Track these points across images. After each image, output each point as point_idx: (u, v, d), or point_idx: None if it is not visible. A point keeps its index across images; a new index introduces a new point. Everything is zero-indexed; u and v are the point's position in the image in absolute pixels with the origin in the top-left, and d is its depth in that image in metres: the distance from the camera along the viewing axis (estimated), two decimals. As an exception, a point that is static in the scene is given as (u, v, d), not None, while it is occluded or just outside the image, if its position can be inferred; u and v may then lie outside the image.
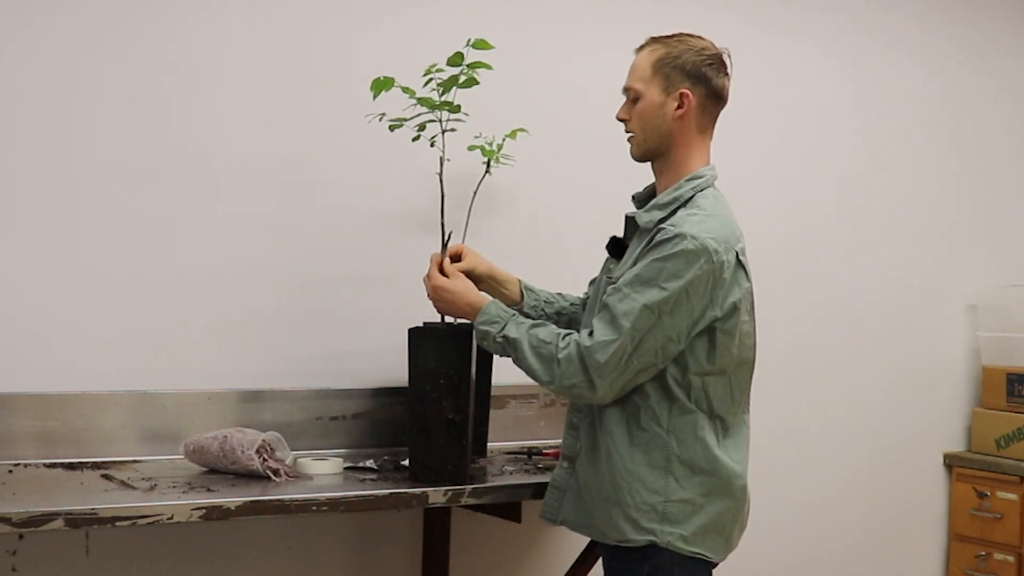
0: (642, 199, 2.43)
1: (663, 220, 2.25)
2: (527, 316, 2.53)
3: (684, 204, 2.27)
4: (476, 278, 2.51)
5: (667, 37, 2.35)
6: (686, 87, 2.29)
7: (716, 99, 2.33)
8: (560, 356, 2.22)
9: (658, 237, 2.20)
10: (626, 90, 2.37)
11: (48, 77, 2.49)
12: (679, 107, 2.29)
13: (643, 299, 2.16)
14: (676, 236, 2.17)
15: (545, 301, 2.59)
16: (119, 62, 2.56)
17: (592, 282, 2.56)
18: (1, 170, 2.46)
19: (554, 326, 2.31)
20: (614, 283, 2.24)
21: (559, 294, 2.63)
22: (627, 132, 2.37)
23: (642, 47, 2.36)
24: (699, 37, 2.35)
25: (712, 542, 2.26)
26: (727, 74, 2.35)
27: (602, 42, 3.12)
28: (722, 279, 2.20)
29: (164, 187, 2.61)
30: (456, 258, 2.51)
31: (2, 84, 2.46)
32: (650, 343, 2.17)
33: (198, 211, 2.65)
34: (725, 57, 2.35)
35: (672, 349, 2.20)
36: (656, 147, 2.33)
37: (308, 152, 2.78)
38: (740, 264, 2.25)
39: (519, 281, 2.58)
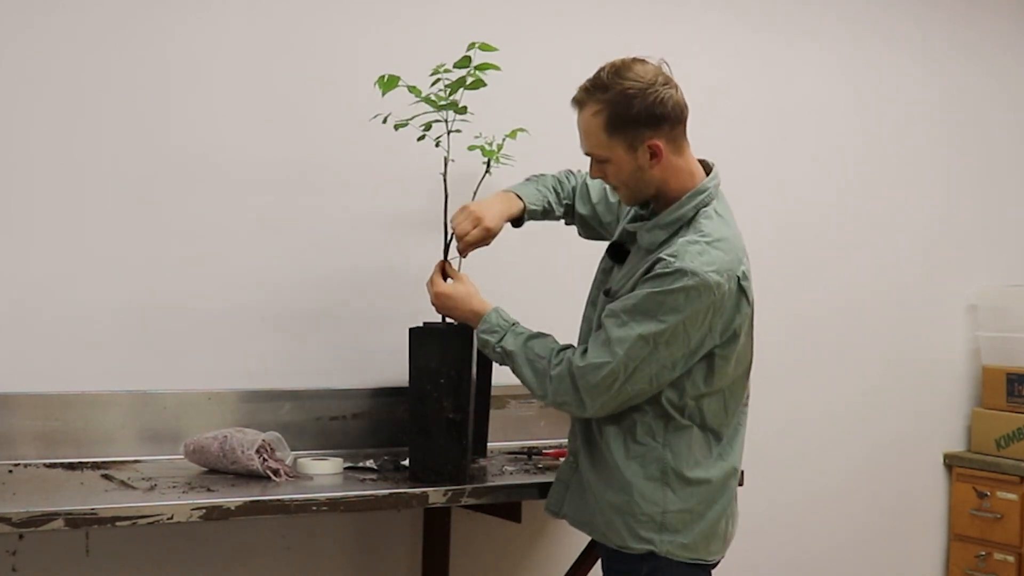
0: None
1: (665, 241, 2.21)
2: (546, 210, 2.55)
3: (687, 224, 2.21)
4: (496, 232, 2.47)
5: (602, 87, 2.17)
6: (649, 136, 2.17)
7: (678, 122, 2.20)
8: (552, 373, 2.23)
9: (658, 269, 2.15)
10: (588, 154, 2.26)
11: (48, 77, 2.49)
12: (653, 156, 2.19)
13: (640, 329, 2.14)
14: (676, 271, 2.12)
15: (543, 210, 2.56)
16: (119, 62, 2.56)
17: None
18: (1, 170, 2.46)
19: (552, 338, 2.31)
20: (611, 300, 2.23)
21: (554, 194, 2.59)
22: (609, 184, 2.31)
23: (581, 105, 2.21)
24: (629, 65, 2.18)
25: (714, 546, 2.28)
26: (675, 87, 2.19)
27: (602, 42, 3.09)
28: (722, 308, 2.17)
29: (164, 187, 2.61)
30: (475, 244, 2.45)
31: (2, 84, 2.46)
32: (644, 372, 2.16)
33: (198, 211, 2.65)
34: (665, 70, 2.19)
35: (666, 377, 2.19)
36: (648, 193, 2.26)
37: (308, 152, 2.78)
38: (742, 289, 2.21)
39: (522, 208, 2.52)
